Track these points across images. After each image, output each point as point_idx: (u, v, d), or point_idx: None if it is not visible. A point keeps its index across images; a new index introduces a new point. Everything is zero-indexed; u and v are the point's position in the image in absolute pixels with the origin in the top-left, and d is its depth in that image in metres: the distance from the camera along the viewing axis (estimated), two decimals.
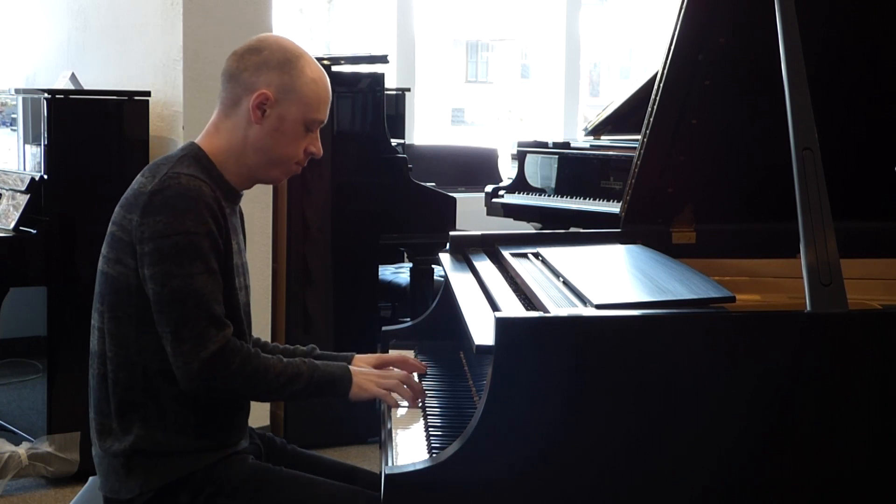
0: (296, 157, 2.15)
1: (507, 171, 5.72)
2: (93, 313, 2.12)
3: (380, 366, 2.30)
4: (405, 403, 2.14)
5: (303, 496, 2.08)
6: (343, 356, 2.33)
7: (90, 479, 2.26)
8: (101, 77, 4.35)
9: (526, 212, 5.24)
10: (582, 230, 3.60)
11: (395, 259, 5.18)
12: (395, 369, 2.26)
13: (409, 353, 2.46)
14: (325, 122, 2.17)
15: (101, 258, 2.10)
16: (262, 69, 2.10)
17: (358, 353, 2.35)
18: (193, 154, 2.11)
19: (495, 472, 1.75)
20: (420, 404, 2.14)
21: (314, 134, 2.16)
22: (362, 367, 2.25)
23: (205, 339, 1.97)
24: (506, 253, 2.51)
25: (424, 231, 4.42)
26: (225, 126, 2.14)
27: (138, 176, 2.10)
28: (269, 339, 2.44)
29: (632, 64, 12.65)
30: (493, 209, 5.35)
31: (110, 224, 2.09)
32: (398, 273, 4.98)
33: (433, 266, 4.47)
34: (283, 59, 2.10)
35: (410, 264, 4.62)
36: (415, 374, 2.26)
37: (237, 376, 2.00)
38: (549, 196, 5.20)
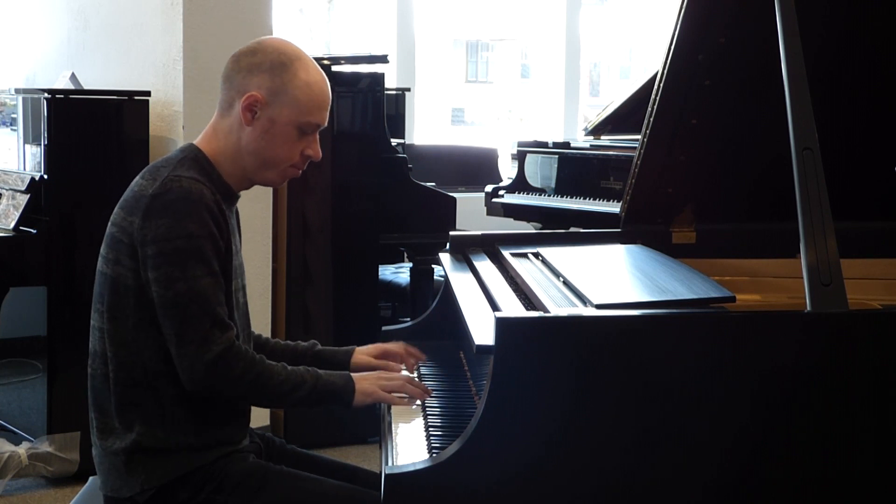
0: (290, 159, 2.13)
1: (507, 171, 5.72)
2: (92, 313, 2.12)
3: (380, 356, 2.31)
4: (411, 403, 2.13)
5: (303, 494, 2.08)
6: (344, 351, 2.34)
7: (90, 478, 2.26)
8: (101, 77, 4.35)
9: (526, 212, 5.24)
10: (582, 230, 3.59)
11: (395, 259, 5.19)
12: (399, 372, 2.26)
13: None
14: (324, 125, 2.15)
15: (100, 258, 2.11)
16: (254, 71, 2.09)
17: None
18: (193, 156, 2.11)
19: (495, 472, 1.75)
20: (425, 400, 2.13)
21: (312, 137, 2.14)
22: (363, 362, 2.27)
23: (209, 340, 1.97)
24: (506, 253, 2.51)
25: (424, 231, 4.43)
26: (221, 128, 2.14)
27: (137, 178, 2.10)
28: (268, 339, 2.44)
29: (632, 64, 12.67)
30: (493, 209, 5.35)
31: (109, 224, 2.10)
32: (398, 273, 4.98)
33: (433, 266, 4.47)
34: (276, 62, 2.09)
35: (410, 264, 4.62)
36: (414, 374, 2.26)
37: (240, 381, 2.00)
38: (549, 196, 5.20)
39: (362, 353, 2.33)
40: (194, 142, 2.16)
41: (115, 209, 2.10)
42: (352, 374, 2.13)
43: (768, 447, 1.80)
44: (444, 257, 2.63)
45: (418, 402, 2.14)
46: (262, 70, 2.09)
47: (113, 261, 2.06)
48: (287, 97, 2.09)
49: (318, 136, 2.16)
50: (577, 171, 5.09)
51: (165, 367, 2.03)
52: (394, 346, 2.36)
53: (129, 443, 2.05)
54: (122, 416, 2.06)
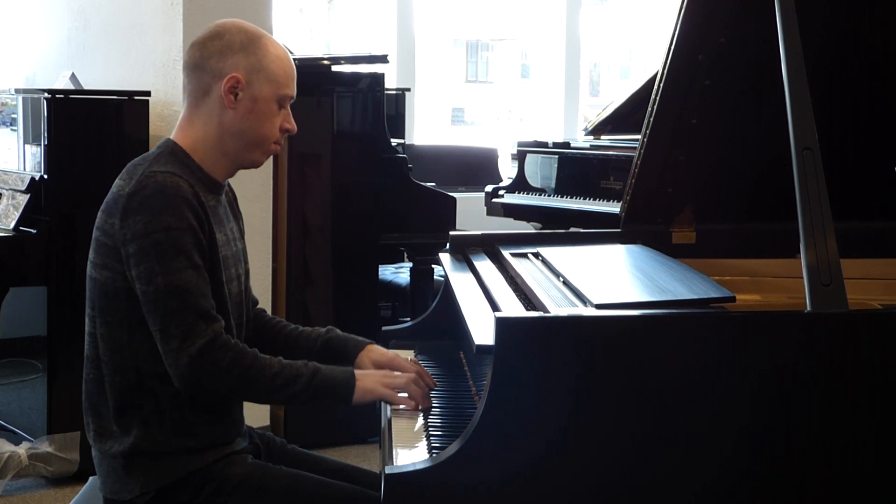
0: (273, 135, 2.14)
1: (507, 171, 5.72)
2: (86, 318, 2.11)
3: (387, 366, 2.21)
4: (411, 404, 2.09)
5: (302, 495, 2.08)
6: (356, 342, 2.28)
7: (90, 479, 2.26)
8: (101, 77, 4.35)
9: (526, 212, 5.25)
10: (582, 230, 3.60)
11: (395, 259, 5.19)
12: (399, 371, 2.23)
13: (411, 352, 2.45)
14: (294, 97, 2.16)
15: (88, 263, 2.09)
16: (226, 53, 2.09)
17: None
18: (169, 150, 2.10)
19: (495, 473, 1.75)
20: (427, 405, 2.10)
21: (286, 110, 2.15)
22: (365, 366, 2.21)
23: (193, 333, 1.95)
24: (506, 253, 2.51)
25: (424, 231, 4.43)
26: (197, 117, 2.12)
27: (117, 179, 2.09)
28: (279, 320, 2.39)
29: (632, 64, 12.67)
30: (493, 209, 5.35)
31: (94, 229, 2.08)
32: (398, 273, 4.98)
33: (433, 266, 4.47)
34: (245, 41, 2.10)
35: (410, 264, 4.62)
36: None
37: (228, 373, 1.97)
38: (549, 196, 5.20)
39: (369, 356, 2.24)
40: (171, 136, 2.15)
41: (99, 213, 2.08)
42: (355, 371, 2.09)
43: (768, 447, 1.80)
44: (444, 257, 2.63)
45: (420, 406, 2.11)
46: (235, 51, 2.09)
47: (100, 265, 2.05)
48: (264, 73, 2.09)
49: (290, 109, 2.16)
50: (577, 171, 5.09)
51: (160, 369, 2.01)
52: (407, 364, 2.22)
53: (126, 446, 2.04)
54: (119, 420, 2.06)
